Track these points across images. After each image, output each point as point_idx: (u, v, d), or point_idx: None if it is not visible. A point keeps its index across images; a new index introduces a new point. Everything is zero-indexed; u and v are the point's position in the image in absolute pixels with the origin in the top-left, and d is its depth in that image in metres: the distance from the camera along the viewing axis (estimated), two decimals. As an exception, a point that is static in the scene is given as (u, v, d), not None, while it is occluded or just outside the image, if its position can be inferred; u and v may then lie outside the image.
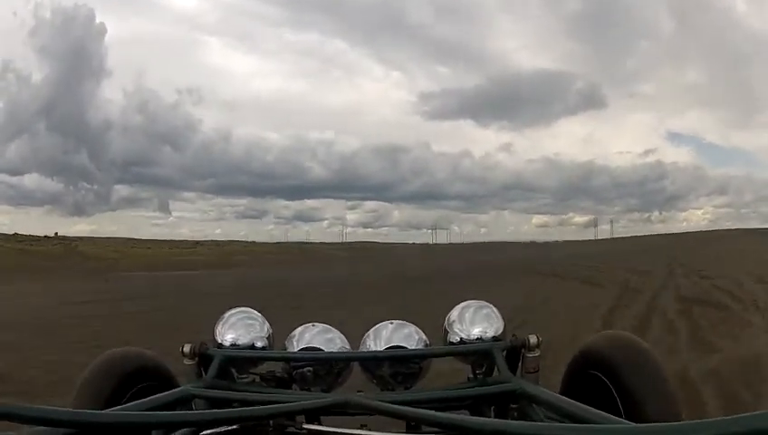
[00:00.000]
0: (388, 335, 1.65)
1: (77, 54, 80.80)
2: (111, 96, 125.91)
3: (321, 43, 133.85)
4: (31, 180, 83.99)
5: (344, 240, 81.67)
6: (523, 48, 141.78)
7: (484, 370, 1.60)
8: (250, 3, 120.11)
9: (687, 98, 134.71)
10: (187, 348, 1.53)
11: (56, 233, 64.93)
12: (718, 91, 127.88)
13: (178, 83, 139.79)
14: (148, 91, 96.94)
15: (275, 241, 77.57)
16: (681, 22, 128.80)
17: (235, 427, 1.14)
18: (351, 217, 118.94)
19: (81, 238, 63.81)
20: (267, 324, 1.71)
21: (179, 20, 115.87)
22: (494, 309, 1.70)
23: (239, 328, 1.66)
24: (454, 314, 1.70)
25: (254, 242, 72.50)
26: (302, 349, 1.63)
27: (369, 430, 1.17)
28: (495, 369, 1.53)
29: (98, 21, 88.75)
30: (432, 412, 0.94)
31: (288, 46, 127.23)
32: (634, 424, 0.96)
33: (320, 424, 1.23)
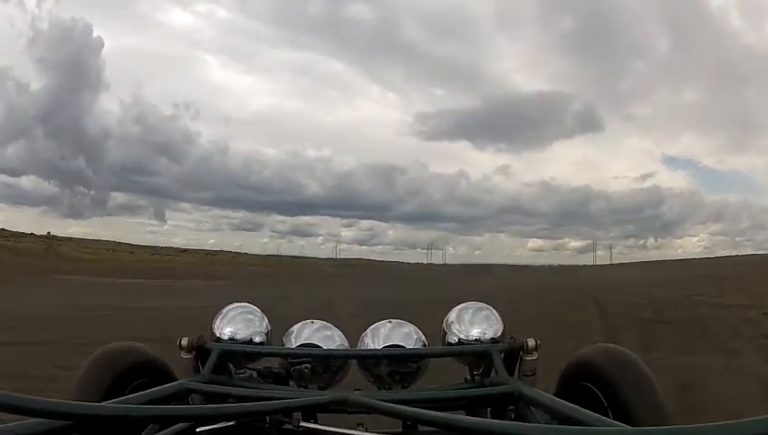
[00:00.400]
0: (387, 334, 1.65)
1: (75, 66, 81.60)
2: (109, 107, 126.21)
3: (318, 62, 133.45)
4: (28, 181, 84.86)
5: (338, 256, 79.84)
6: (519, 69, 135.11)
7: (481, 371, 1.60)
8: (247, 22, 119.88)
9: (684, 120, 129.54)
10: (184, 341, 1.52)
11: (48, 232, 63.56)
12: (715, 114, 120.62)
13: (176, 98, 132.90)
14: (145, 104, 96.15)
15: (267, 254, 74.89)
16: (677, 44, 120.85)
17: (231, 423, 1.14)
18: (346, 233, 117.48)
19: (71, 239, 61.86)
20: (266, 320, 1.70)
21: (177, 37, 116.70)
22: (494, 311, 1.70)
23: (238, 322, 1.65)
24: (452, 315, 1.69)
25: (244, 253, 69.89)
26: (300, 345, 1.62)
27: (366, 428, 1.17)
28: (493, 370, 1.53)
29: (95, 35, 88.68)
30: (429, 412, 0.94)
31: (284, 65, 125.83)
32: (631, 428, 0.96)
33: (316, 421, 1.22)
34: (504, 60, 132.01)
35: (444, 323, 1.70)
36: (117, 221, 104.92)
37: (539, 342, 1.54)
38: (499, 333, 1.64)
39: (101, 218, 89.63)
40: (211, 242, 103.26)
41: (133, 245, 62.26)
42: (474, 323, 1.65)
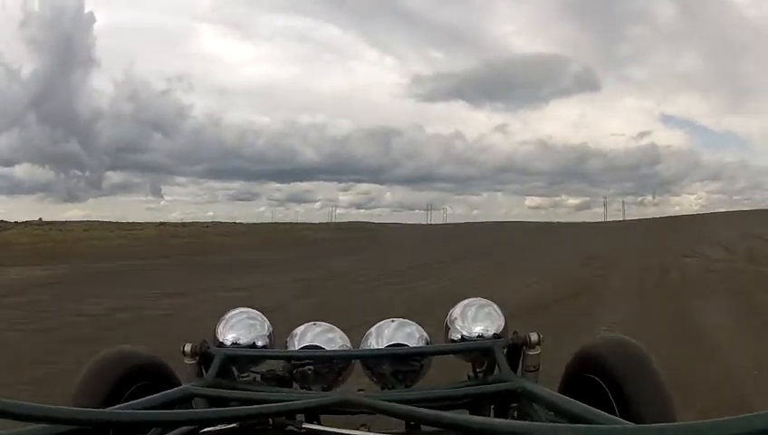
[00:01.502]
0: (390, 333, 1.64)
1: (66, 46, 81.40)
2: (101, 86, 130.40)
3: (313, 28, 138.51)
4: (22, 170, 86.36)
5: (333, 220, 76.42)
6: (517, 31, 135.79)
7: (484, 368, 1.58)
8: None
9: (681, 82, 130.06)
10: (188, 347, 1.51)
11: (40, 218, 59.90)
12: (713, 77, 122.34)
13: (168, 72, 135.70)
14: (137, 80, 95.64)
15: (259, 222, 69.76)
16: (676, 6, 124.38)
17: (234, 425, 1.14)
18: (344, 198, 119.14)
19: (51, 223, 56.29)
20: (268, 323, 1.69)
21: (168, 7, 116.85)
22: (496, 307, 1.69)
23: (240, 327, 1.65)
24: (456, 311, 1.69)
25: (223, 223, 65.37)
26: (302, 347, 1.61)
27: (369, 428, 1.18)
28: (496, 367, 1.51)
29: (87, 11, 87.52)
30: (432, 411, 0.93)
31: (279, 32, 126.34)
32: (635, 425, 0.95)
33: (319, 423, 1.23)
34: (502, 23, 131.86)
35: (447, 320, 1.69)
36: (114, 201, 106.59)
37: (542, 336, 1.52)
38: (501, 329, 1.62)
39: (98, 199, 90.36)
40: (209, 214, 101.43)
41: (102, 222, 56.44)
42: (477, 320, 1.64)
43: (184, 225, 58.58)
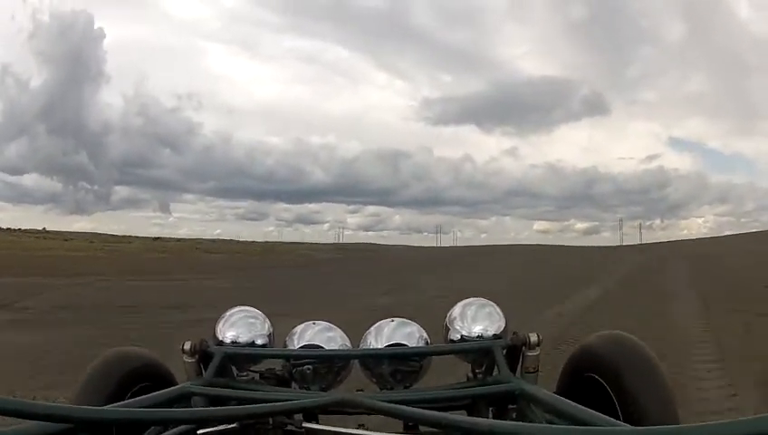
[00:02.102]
0: (390, 333, 1.63)
1: (76, 59, 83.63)
2: (111, 100, 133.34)
3: (323, 50, 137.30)
4: (30, 180, 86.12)
5: (340, 241, 77.93)
6: (526, 55, 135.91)
7: (484, 368, 1.58)
8: (251, 10, 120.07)
9: (690, 105, 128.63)
10: (187, 345, 1.51)
11: (44, 228, 58.18)
12: (722, 100, 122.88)
13: (178, 89, 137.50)
14: (147, 96, 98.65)
15: (263, 240, 67.50)
16: (684, 30, 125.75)
17: (234, 425, 1.16)
18: (352, 220, 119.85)
19: (49, 231, 53.80)
20: (268, 322, 1.70)
21: (179, 26, 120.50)
22: (496, 307, 1.67)
23: (240, 326, 1.65)
24: (455, 311, 1.67)
25: (223, 240, 65.57)
26: (302, 346, 1.61)
27: (368, 428, 1.18)
28: (495, 368, 1.51)
29: (96, 26, 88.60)
30: (430, 412, 0.93)
31: (289, 53, 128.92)
32: (633, 427, 0.95)
33: (318, 423, 1.24)
34: (512, 46, 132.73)
35: (446, 320, 1.67)
36: (121, 215, 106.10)
37: (541, 337, 1.50)
38: (501, 330, 1.61)
39: (105, 213, 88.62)
40: (217, 232, 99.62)
41: (94, 233, 53.60)
42: (476, 320, 1.62)
43: (177, 240, 56.61)
